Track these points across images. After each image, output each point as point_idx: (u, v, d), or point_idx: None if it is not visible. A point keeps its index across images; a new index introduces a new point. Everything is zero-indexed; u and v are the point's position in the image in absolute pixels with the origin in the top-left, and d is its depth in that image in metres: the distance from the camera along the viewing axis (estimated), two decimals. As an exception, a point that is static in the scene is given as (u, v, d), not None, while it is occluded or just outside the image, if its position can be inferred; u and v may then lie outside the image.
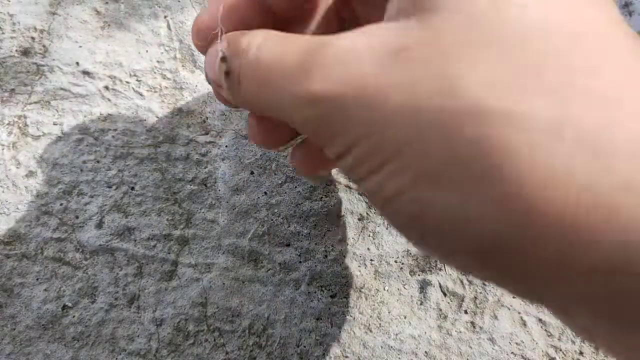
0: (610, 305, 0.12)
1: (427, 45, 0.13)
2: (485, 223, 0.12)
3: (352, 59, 0.14)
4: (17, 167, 0.27)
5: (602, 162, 0.11)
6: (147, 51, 0.31)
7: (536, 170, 0.11)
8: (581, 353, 0.27)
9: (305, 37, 0.16)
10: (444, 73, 0.12)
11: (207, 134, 0.29)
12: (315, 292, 0.28)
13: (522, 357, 0.27)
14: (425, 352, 0.27)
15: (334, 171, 0.30)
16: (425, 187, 0.13)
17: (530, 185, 0.11)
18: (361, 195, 0.29)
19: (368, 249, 0.28)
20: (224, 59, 0.18)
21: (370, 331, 0.27)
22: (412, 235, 0.15)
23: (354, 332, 0.27)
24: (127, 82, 0.30)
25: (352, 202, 0.29)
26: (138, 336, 0.26)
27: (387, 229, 0.29)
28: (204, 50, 0.20)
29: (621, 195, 0.11)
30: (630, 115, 0.11)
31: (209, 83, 0.21)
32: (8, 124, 0.28)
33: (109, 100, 0.29)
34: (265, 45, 0.16)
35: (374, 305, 0.28)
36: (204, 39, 0.20)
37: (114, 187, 0.28)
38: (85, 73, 0.29)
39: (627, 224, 0.11)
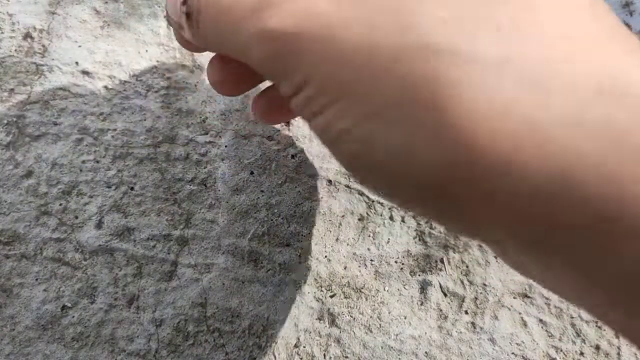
0: (540, 237, 0.12)
1: None
2: (426, 157, 0.12)
3: None
4: (16, 167, 0.27)
5: (540, 97, 0.11)
6: (146, 51, 0.31)
7: (476, 104, 0.12)
8: (582, 353, 0.27)
9: None
10: (399, 10, 0.13)
11: (206, 134, 0.29)
12: (315, 293, 0.28)
13: (523, 357, 0.27)
14: (426, 352, 0.27)
15: (334, 171, 0.30)
16: (371, 124, 0.13)
17: (469, 119, 0.12)
18: (361, 195, 0.29)
19: (368, 249, 0.28)
20: (184, 1, 0.18)
21: (371, 331, 0.27)
22: (358, 174, 0.15)
23: (354, 333, 0.27)
24: (127, 82, 0.30)
25: (352, 202, 0.29)
26: (137, 337, 0.26)
27: (387, 229, 0.29)
28: None
29: (557, 129, 0.11)
30: (569, 52, 0.12)
31: (170, 25, 0.20)
32: (7, 123, 0.28)
33: (109, 100, 0.29)
34: None
35: (374, 305, 0.28)
36: None
37: (113, 187, 0.28)
38: (85, 73, 0.29)
39: (560, 156, 0.11)
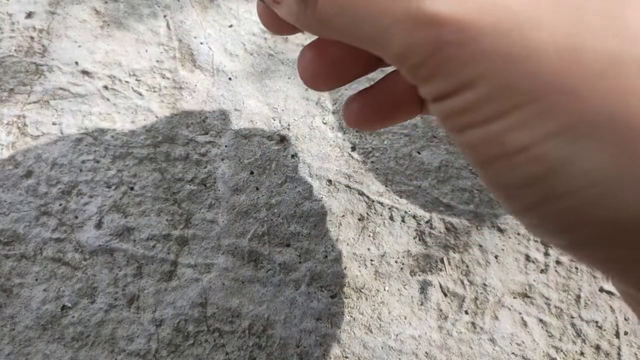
0: None
1: None
2: (626, 193, 0.10)
3: None
4: (16, 167, 0.27)
5: None
6: (146, 51, 0.31)
7: None
8: (582, 354, 0.27)
9: None
10: (619, 16, 0.10)
11: (206, 133, 0.29)
12: (315, 293, 0.27)
13: (523, 357, 0.27)
14: (426, 352, 0.27)
15: (334, 171, 0.30)
16: (564, 142, 0.11)
17: None
18: (361, 195, 0.29)
19: (368, 249, 0.28)
20: None
21: (371, 332, 0.27)
22: (521, 202, 0.12)
23: (354, 333, 0.27)
24: (127, 82, 0.30)
25: (352, 202, 0.29)
26: (138, 336, 0.26)
27: (387, 229, 0.29)
28: None
29: None
30: None
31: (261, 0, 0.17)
32: (7, 123, 0.28)
33: (108, 100, 0.29)
34: None
35: (374, 305, 0.27)
36: None
37: (113, 187, 0.28)
38: (85, 73, 0.29)
39: None
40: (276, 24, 0.18)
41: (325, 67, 0.19)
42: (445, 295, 0.28)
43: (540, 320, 0.27)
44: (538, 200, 0.12)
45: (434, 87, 0.13)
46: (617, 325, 0.27)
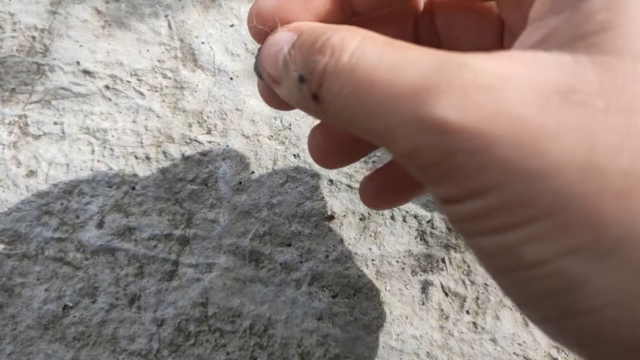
0: None
1: (606, 93, 0.11)
2: None
3: (501, 90, 0.11)
4: (18, 167, 0.27)
5: None
6: (147, 50, 0.31)
7: None
8: (584, 354, 0.27)
9: (427, 49, 0.13)
10: (634, 132, 0.10)
11: (207, 133, 0.29)
12: (316, 293, 0.27)
13: (524, 357, 0.27)
14: (427, 352, 0.27)
15: (335, 171, 0.30)
16: (586, 260, 0.10)
17: None
18: (363, 195, 0.29)
19: (369, 249, 0.28)
20: (292, 55, 0.15)
21: (372, 331, 0.27)
22: (540, 314, 0.12)
23: (356, 333, 0.27)
24: (128, 82, 0.30)
25: (353, 202, 0.29)
26: (139, 336, 0.26)
27: (388, 228, 0.29)
28: (260, 37, 0.17)
29: None
30: None
31: (259, 76, 0.17)
32: (9, 123, 0.28)
33: (110, 99, 0.29)
34: (367, 49, 0.13)
35: (375, 305, 0.27)
36: (265, 24, 0.17)
37: (114, 187, 0.28)
38: (86, 72, 0.29)
39: None
40: (277, 102, 0.18)
41: (337, 147, 0.19)
42: (447, 295, 0.28)
43: (542, 320, 0.27)
44: (557, 315, 0.12)
45: (443, 191, 0.13)
46: (618, 325, 0.27)
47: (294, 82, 0.15)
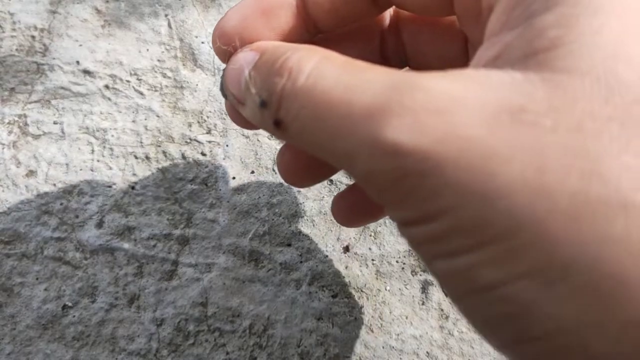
0: None
1: (555, 112, 0.11)
2: (600, 341, 0.10)
3: (452, 111, 0.11)
4: (18, 166, 0.27)
5: None
6: (147, 50, 0.31)
7: None
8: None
9: (381, 68, 0.13)
10: (582, 152, 0.10)
11: (207, 133, 0.29)
12: (316, 292, 0.27)
13: (525, 357, 0.27)
14: (427, 352, 0.27)
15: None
16: (532, 286, 0.10)
17: None
18: (362, 194, 0.29)
19: (369, 248, 0.28)
20: (253, 76, 0.15)
21: (372, 331, 0.27)
22: (497, 339, 0.12)
23: (355, 333, 0.27)
24: (128, 81, 0.30)
25: (353, 202, 0.29)
26: (138, 336, 0.26)
27: (388, 228, 0.29)
28: (225, 57, 0.17)
29: None
30: None
31: (224, 96, 0.17)
32: (8, 123, 0.28)
33: (109, 99, 0.29)
34: (324, 70, 0.13)
35: (375, 305, 0.27)
36: (229, 44, 0.17)
37: (114, 187, 0.28)
38: (86, 72, 0.29)
39: None
40: (244, 122, 0.18)
41: (304, 167, 0.19)
42: (447, 295, 0.28)
43: (542, 320, 0.27)
44: (512, 340, 0.11)
45: (399, 214, 0.13)
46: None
47: (255, 105, 0.15)
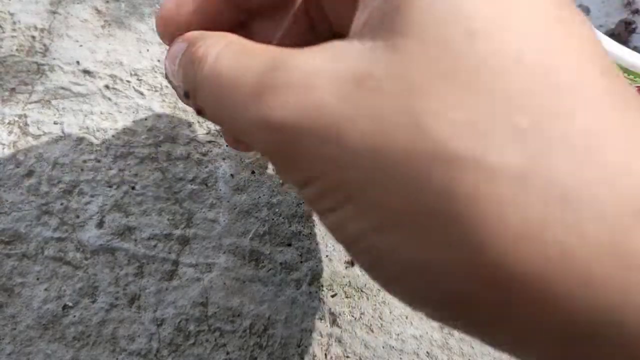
0: None
1: (393, 76, 0.12)
2: (449, 277, 0.11)
3: (310, 85, 0.12)
4: (18, 167, 0.27)
5: (571, 219, 0.10)
6: (147, 50, 0.31)
7: (503, 223, 0.10)
8: (583, 353, 0.27)
9: (268, 49, 0.14)
10: (410, 110, 0.11)
11: (207, 133, 0.29)
12: (316, 292, 0.27)
13: (524, 357, 0.27)
14: (427, 352, 0.27)
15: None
16: (386, 233, 0.12)
17: (496, 243, 0.10)
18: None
19: (369, 248, 0.28)
20: (178, 69, 0.17)
21: (372, 331, 0.27)
22: (376, 280, 0.14)
23: (356, 332, 0.27)
24: (128, 81, 0.30)
25: (353, 202, 0.29)
26: (139, 336, 0.26)
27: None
28: (169, 42, 0.18)
29: (594, 260, 0.10)
30: (599, 165, 0.10)
31: (169, 82, 0.19)
32: (8, 123, 0.28)
33: (110, 99, 0.29)
34: (224, 55, 0.15)
35: (375, 305, 0.27)
36: (170, 33, 0.18)
37: (114, 187, 0.28)
38: (86, 72, 0.29)
39: (600, 292, 0.10)
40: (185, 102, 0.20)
41: (238, 141, 0.20)
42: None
43: (542, 320, 0.27)
44: (385, 283, 0.13)
45: (288, 179, 0.14)
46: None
47: (181, 96, 0.16)
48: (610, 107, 0.11)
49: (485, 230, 0.10)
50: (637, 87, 0.26)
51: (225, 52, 0.15)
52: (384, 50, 0.12)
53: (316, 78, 0.12)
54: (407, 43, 0.12)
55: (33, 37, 0.30)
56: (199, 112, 0.16)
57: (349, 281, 0.28)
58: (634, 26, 0.32)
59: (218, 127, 0.30)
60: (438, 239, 0.11)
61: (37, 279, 0.26)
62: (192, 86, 0.15)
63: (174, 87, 0.18)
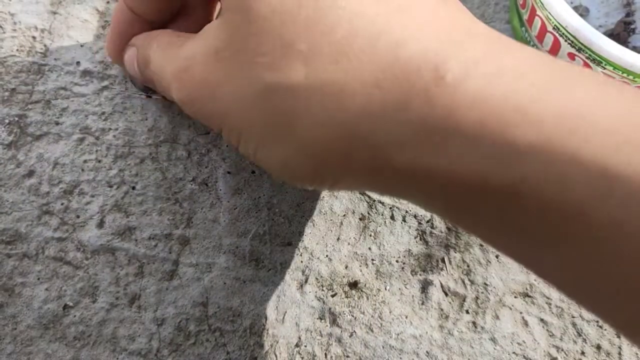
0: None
1: (230, 45, 0.17)
2: (297, 165, 0.17)
3: (192, 62, 0.18)
4: (18, 167, 0.27)
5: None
6: (148, 50, 0.31)
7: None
8: (583, 353, 0.27)
9: (179, 39, 0.20)
10: (246, 73, 0.16)
11: (208, 133, 0.29)
12: (316, 292, 0.28)
13: (524, 357, 0.27)
14: (427, 352, 0.27)
15: (335, 171, 0.30)
16: (264, 147, 0.17)
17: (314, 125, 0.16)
18: (362, 194, 0.29)
19: (369, 248, 0.28)
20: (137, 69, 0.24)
21: (372, 331, 0.27)
22: (271, 173, 0.20)
23: (355, 332, 0.27)
24: (128, 81, 0.30)
25: (353, 202, 0.29)
26: (139, 336, 0.26)
27: (388, 228, 0.29)
28: (119, 60, 0.26)
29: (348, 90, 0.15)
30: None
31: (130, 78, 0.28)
32: (9, 123, 0.28)
33: (110, 99, 0.29)
34: (154, 53, 0.21)
35: (375, 305, 0.28)
36: (116, 57, 0.26)
37: (115, 187, 0.28)
38: (86, 72, 0.29)
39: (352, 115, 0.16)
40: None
41: None
42: (446, 294, 0.28)
43: (541, 320, 0.27)
44: (276, 176, 0.23)
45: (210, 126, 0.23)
46: (617, 324, 0.27)
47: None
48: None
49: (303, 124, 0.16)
50: (638, 87, 0.26)
51: (155, 50, 0.21)
52: (227, 25, 0.17)
53: (194, 57, 0.18)
54: (237, 17, 0.16)
55: (33, 37, 0.30)
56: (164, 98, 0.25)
57: (349, 281, 0.28)
58: (633, 26, 0.32)
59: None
60: (286, 145, 0.16)
61: (38, 278, 0.26)
62: (143, 65, 0.23)
63: (132, 81, 0.28)
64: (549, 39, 0.28)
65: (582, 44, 0.26)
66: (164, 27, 0.24)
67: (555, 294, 0.28)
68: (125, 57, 0.24)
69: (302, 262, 0.28)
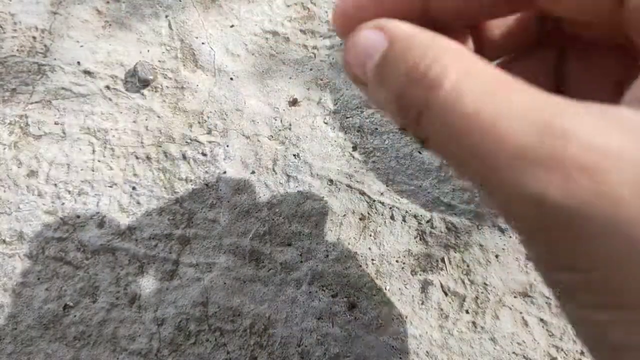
0: None
1: None
2: None
3: (604, 169, 0.11)
4: (19, 167, 0.27)
5: None
6: (148, 51, 0.31)
7: None
8: (582, 353, 0.27)
9: (529, 94, 0.12)
10: None
11: (208, 133, 0.29)
12: (316, 292, 0.28)
13: (524, 357, 0.27)
14: (427, 351, 0.27)
15: (335, 171, 0.30)
16: None
17: None
18: (362, 194, 0.29)
19: (369, 248, 0.28)
20: (383, 72, 0.14)
21: (372, 331, 0.27)
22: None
23: (355, 332, 0.27)
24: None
25: (353, 202, 0.29)
26: (139, 336, 0.26)
27: (388, 228, 0.29)
28: (345, 34, 0.16)
29: None
30: None
31: (348, 74, 0.16)
32: (9, 123, 0.28)
33: (110, 99, 0.29)
34: (467, 84, 0.12)
35: (375, 305, 0.28)
36: (348, 25, 0.15)
37: (115, 187, 0.28)
38: (87, 72, 0.29)
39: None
40: (361, 86, 0.16)
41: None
42: (446, 294, 0.28)
43: (541, 320, 0.27)
44: None
45: (536, 251, 0.13)
46: (617, 324, 0.27)
47: (388, 102, 0.14)
48: None
49: None
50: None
51: (469, 80, 0.12)
52: None
53: (610, 162, 0.11)
54: None
55: (34, 37, 0.30)
56: (419, 137, 0.13)
57: (349, 281, 0.28)
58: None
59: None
60: None
61: (38, 278, 0.26)
62: (415, 111, 0.13)
63: (351, 76, 0.15)
64: None
65: None
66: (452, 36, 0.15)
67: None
68: (361, 41, 0.15)
69: (301, 262, 0.28)
